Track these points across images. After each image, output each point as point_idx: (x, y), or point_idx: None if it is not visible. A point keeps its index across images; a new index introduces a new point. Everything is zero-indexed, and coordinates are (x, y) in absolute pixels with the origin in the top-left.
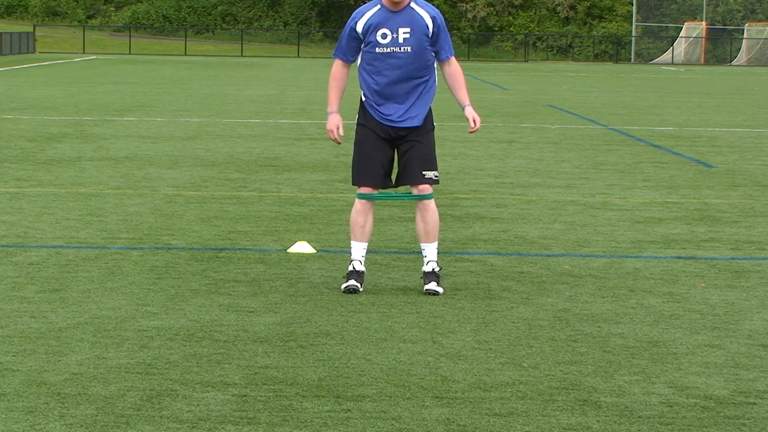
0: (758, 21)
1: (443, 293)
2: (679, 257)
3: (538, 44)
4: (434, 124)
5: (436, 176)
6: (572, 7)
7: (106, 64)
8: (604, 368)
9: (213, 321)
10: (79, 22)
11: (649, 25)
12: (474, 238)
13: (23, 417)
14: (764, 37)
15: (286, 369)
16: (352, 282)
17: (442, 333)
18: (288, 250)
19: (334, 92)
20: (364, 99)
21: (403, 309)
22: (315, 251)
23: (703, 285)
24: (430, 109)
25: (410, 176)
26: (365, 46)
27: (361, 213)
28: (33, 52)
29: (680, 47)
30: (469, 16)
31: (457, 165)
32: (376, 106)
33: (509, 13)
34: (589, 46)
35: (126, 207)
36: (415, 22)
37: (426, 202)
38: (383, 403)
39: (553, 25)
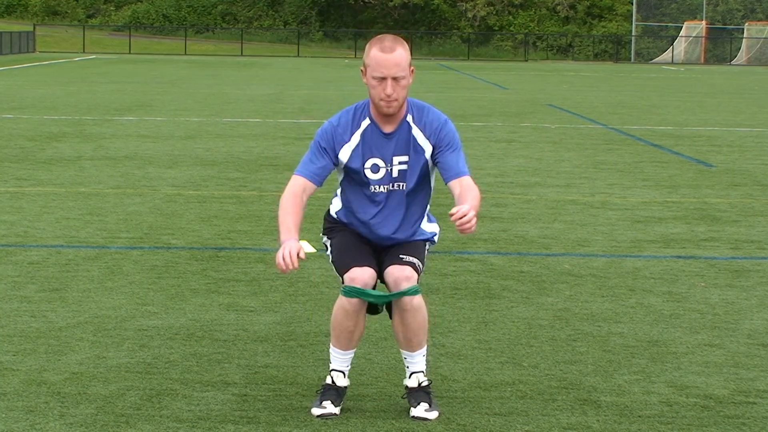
0: (758, 20)
1: (436, 417)
2: (679, 257)
3: (538, 44)
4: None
5: (418, 265)
6: (572, 7)
7: (106, 63)
8: (604, 368)
9: (213, 320)
10: (79, 21)
11: (649, 25)
12: (474, 238)
13: (23, 416)
14: (764, 36)
15: (286, 368)
16: (328, 407)
17: (442, 332)
18: None
19: (291, 219)
20: (335, 213)
21: None
22: (315, 251)
23: (702, 284)
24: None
25: (387, 260)
26: (348, 174)
27: (350, 315)
28: (33, 52)
29: (680, 47)
30: (469, 15)
31: None
32: (356, 224)
33: (509, 13)
34: (589, 45)
35: (126, 206)
36: (413, 147)
37: (406, 298)
38: (383, 402)
39: (553, 25)
